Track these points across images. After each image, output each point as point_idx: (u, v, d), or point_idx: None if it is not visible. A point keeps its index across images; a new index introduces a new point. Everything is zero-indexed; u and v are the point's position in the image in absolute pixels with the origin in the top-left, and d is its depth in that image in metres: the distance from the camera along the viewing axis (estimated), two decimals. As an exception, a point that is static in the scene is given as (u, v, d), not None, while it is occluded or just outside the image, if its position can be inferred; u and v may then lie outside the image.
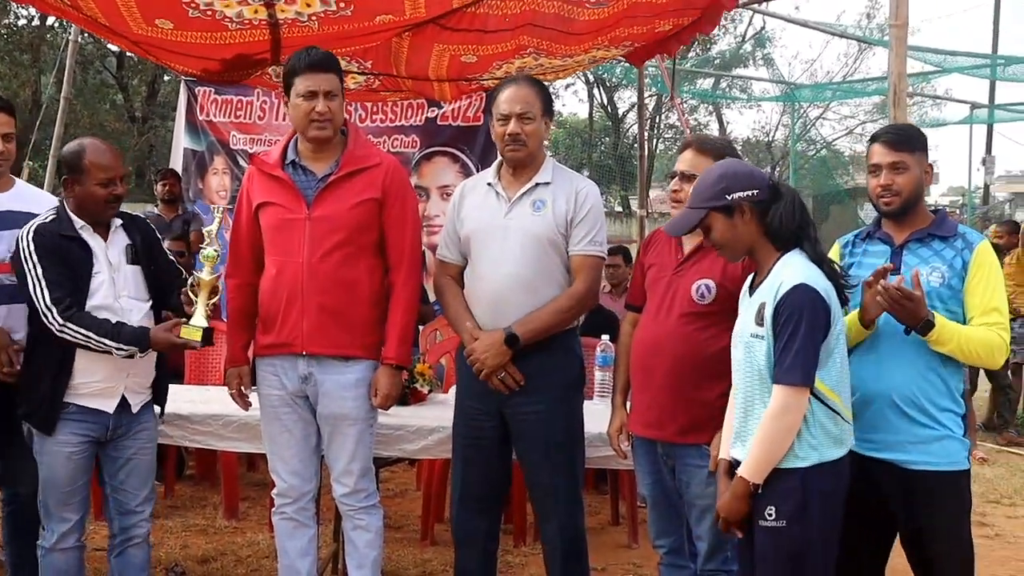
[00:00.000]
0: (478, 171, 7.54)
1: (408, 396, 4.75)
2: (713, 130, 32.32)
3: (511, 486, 4.30)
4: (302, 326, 3.76)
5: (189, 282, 3.68)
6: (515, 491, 5.10)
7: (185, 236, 7.35)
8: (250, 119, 8.11)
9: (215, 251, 3.68)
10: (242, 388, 3.99)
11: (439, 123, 7.92)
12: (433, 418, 4.56)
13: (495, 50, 5.55)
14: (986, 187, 25.76)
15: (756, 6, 9.12)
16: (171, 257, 4.04)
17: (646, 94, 28.98)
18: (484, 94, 7.73)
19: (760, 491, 3.00)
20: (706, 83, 27.04)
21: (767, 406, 2.98)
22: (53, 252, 3.55)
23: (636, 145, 32.41)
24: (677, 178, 3.64)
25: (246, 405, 4.01)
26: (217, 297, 3.69)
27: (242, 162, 8.11)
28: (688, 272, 3.56)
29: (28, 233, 3.59)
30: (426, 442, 4.48)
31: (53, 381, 3.61)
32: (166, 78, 22.26)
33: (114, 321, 3.57)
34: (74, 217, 3.65)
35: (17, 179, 4.27)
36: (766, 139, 33.40)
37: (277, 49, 5.34)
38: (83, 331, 3.51)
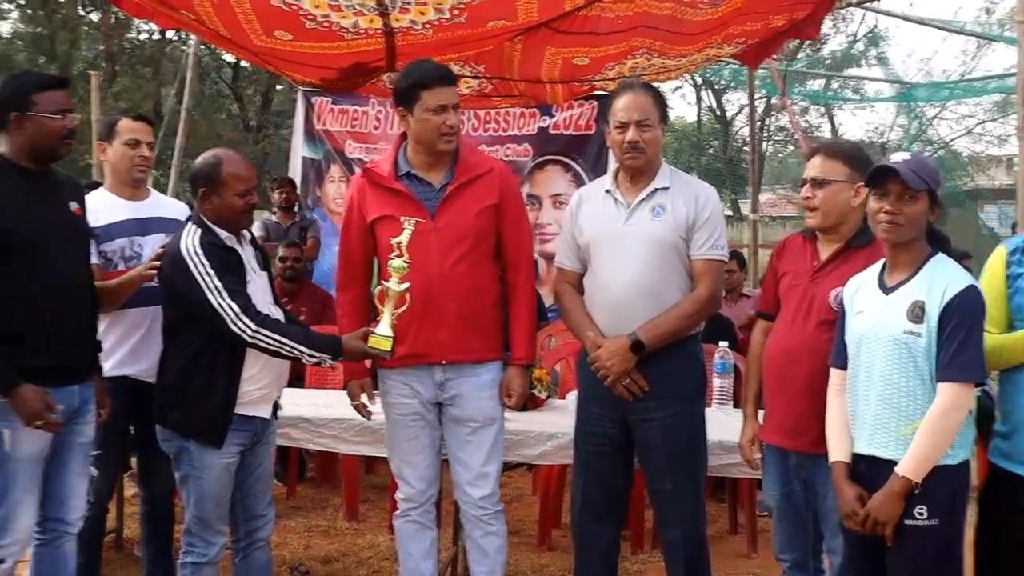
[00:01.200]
0: (590, 179, 7.55)
1: (526, 402, 4.74)
2: (825, 132, 31.78)
3: (632, 493, 4.26)
4: (438, 336, 3.78)
5: (376, 292, 3.74)
6: (634, 497, 5.06)
7: (301, 242, 7.48)
8: (366, 128, 8.23)
9: (405, 262, 3.64)
10: (364, 399, 4.01)
11: (551, 132, 7.97)
12: (552, 423, 4.56)
13: (607, 52, 5.55)
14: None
15: (868, 4, 8.88)
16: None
17: (755, 96, 28.70)
18: (596, 102, 7.77)
19: (918, 491, 2.96)
20: (817, 84, 26.58)
21: (927, 404, 2.96)
22: (221, 260, 3.58)
23: (745, 148, 32.27)
24: (808, 184, 3.56)
25: (368, 416, 4.05)
26: (404, 308, 3.69)
27: (357, 170, 8.20)
28: (825, 280, 3.50)
29: (193, 244, 3.56)
30: (545, 447, 4.48)
31: (225, 393, 3.60)
32: (279, 87, 22.68)
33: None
34: (215, 228, 3.66)
35: (151, 188, 4.44)
36: (880, 140, 32.68)
37: (392, 57, 5.42)
38: (276, 337, 3.53)
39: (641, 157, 3.80)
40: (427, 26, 4.89)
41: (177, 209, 4.36)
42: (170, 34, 20.93)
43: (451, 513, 4.48)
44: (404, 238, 3.66)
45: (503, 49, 5.46)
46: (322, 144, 8.30)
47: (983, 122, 31.87)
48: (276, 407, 3.89)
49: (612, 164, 7.72)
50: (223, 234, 3.65)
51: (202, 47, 8.44)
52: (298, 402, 4.12)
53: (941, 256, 3.07)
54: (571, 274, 4.01)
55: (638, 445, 3.90)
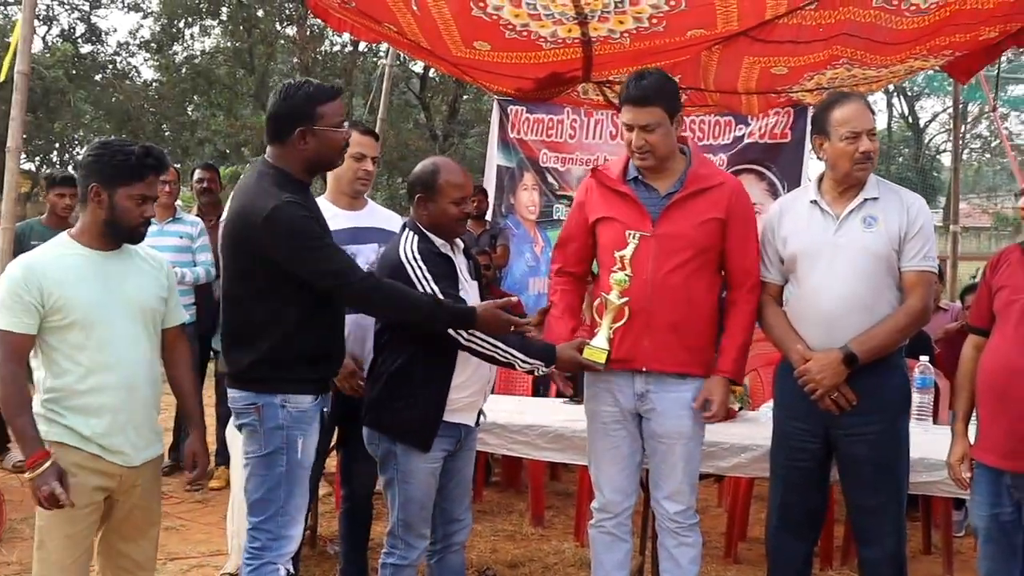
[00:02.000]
0: (784, 188, 7.53)
1: (719, 413, 4.71)
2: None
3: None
4: (644, 343, 3.76)
5: (595, 304, 3.77)
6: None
7: (491, 250, 7.60)
8: (561, 138, 8.31)
9: (626, 275, 3.65)
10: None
11: (746, 141, 7.91)
12: (745, 435, 4.52)
13: (807, 60, 5.45)
14: None
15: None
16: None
17: (949, 102, 27.69)
18: (792, 110, 7.66)
19: None
20: (1019, 90, 25.38)
21: None
22: (438, 266, 3.63)
23: (939, 157, 31.13)
24: None
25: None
26: (623, 322, 3.69)
27: (551, 179, 8.34)
28: None
29: (412, 250, 3.63)
30: (739, 460, 4.45)
31: (436, 398, 3.64)
32: (465, 97, 23.03)
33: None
34: (431, 235, 3.71)
35: (368, 198, 4.56)
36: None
37: (588, 66, 5.46)
38: (492, 341, 3.56)
39: (870, 167, 3.76)
40: (625, 35, 4.91)
41: (391, 220, 4.47)
42: (362, 46, 21.44)
43: (637, 522, 4.46)
44: (628, 252, 3.68)
45: (699, 59, 5.43)
46: (516, 152, 8.42)
47: None
48: (480, 414, 3.95)
49: (808, 173, 7.74)
50: (438, 241, 3.71)
51: (386, 57, 8.65)
52: (490, 408, 4.16)
53: None
54: (773, 286, 3.95)
55: (841, 460, 3.83)
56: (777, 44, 5.13)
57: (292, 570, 3.52)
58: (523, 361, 3.60)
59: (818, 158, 3.92)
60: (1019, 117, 29.35)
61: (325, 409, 3.59)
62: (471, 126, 23.27)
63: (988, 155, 30.70)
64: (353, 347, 4.05)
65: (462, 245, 3.89)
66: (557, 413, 5.03)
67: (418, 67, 22.72)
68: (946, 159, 30.56)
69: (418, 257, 3.61)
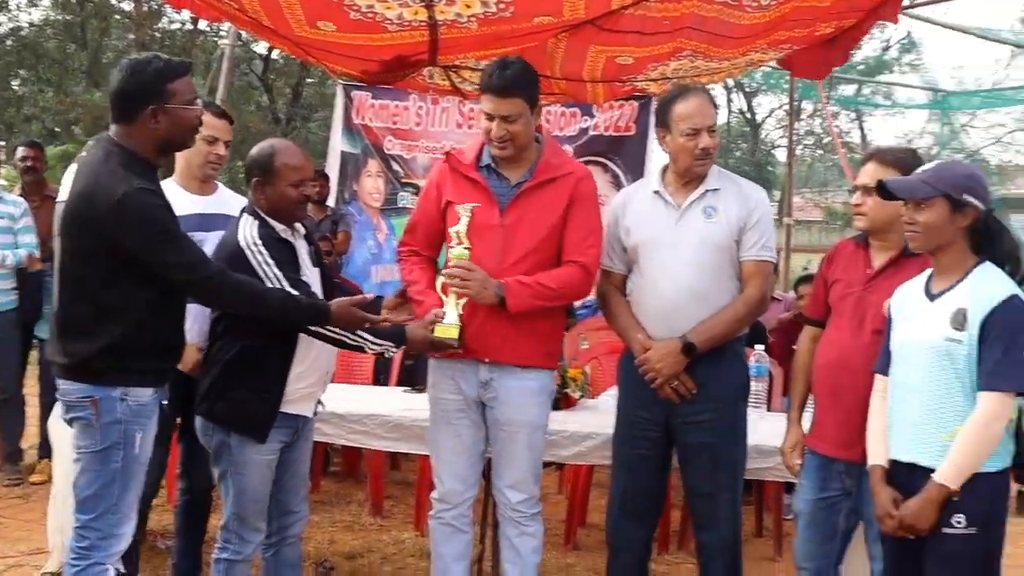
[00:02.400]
0: (628, 181, 7.61)
1: (559, 401, 4.71)
2: (855, 138, 31.65)
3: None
4: (489, 334, 3.70)
5: (439, 284, 3.70)
6: (664, 499, 5.04)
7: (332, 237, 7.47)
8: (407, 125, 8.22)
9: (465, 249, 3.64)
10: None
11: (592, 133, 7.99)
12: (585, 423, 4.53)
13: (652, 52, 5.49)
14: None
15: (909, 10, 8.80)
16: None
17: (785, 98, 28.71)
18: (636, 103, 7.79)
19: (957, 499, 2.95)
20: (848, 90, 26.44)
21: (967, 412, 2.95)
22: (280, 252, 3.53)
23: (773, 152, 32.17)
24: (860, 192, 3.53)
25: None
26: (465, 300, 3.66)
27: (396, 166, 8.24)
28: (880, 287, 3.45)
29: (252, 236, 3.51)
30: (580, 448, 4.46)
31: (274, 388, 3.54)
32: (309, 80, 22.60)
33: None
34: (271, 221, 3.60)
35: (219, 183, 4.39)
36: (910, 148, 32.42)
37: (434, 50, 5.37)
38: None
39: (709, 162, 3.80)
40: (472, 19, 4.84)
41: (241, 206, 4.29)
42: (202, 24, 20.81)
43: (478, 512, 4.44)
44: (462, 227, 3.65)
45: (546, 46, 5.40)
46: (360, 138, 8.28)
47: (1013, 131, 31.74)
48: (318, 404, 3.86)
49: (651, 164, 7.85)
50: (278, 226, 3.60)
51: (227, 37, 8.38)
52: (329, 397, 4.05)
53: (988, 265, 3.05)
54: (616, 276, 3.97)
55: (680, 447, 3.88)
56: (623, 34, 5.14)
57: (122, 569, 3.35)
58: (372, 343, 3.54)
59: (663, 149, 3.95)
60: (848, 116, 30.67)
61: (164, 401, 3.46)
62: (315, 110, 22.90)
63: (820, 151, 31.93)
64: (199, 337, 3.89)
65: (303, 231, 3.77)
66: (397, 402, 4.95)
67: (261, 48, 22.19)
68: (781, 154, 31.71)
69: (259, 243, 3.49)
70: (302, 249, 3.69)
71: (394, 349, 3.63)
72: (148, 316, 3.20)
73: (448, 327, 3.62)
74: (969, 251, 3.08)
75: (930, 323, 3.05)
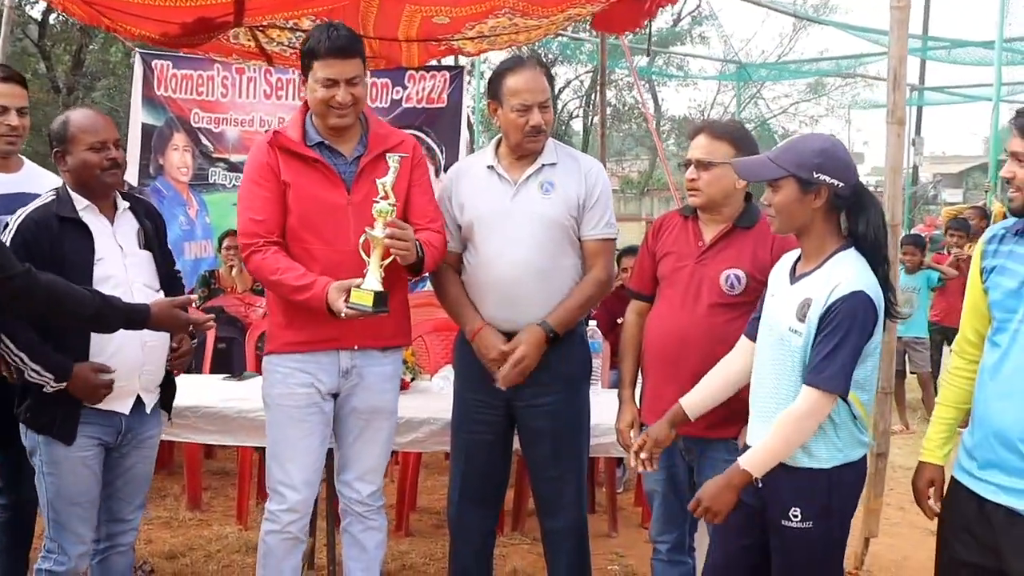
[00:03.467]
0: (443, 154, 7.60)
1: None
2: (649, 108, 32.44)
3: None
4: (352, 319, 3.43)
5: (360, 241, 3.37)
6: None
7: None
8: (212, 96, 7.85)
9: (391, 205, 3.32)
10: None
11: (404, 105, 7.83)
12: (422, 408, 4.35)
13: (469, 11, 5.35)
14: (915, 168, 26.17)
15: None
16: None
17: (583, 69, 29.04)
18: (448, 73, 7.72)
19: (760, 486, 2.91)
20: (642, 61, 27.02)
21: (789, 401, 2.87)
22: (33, 238, 3.22)
23: (571, 123, 32.56)
24: (692, 166, 3.46)
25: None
26: (391, 259, 3.36)
27: (205, 140, 7.83)
28: (713, 261, 3.42)
29: (17, 220, 3.26)
30: (416, 435, 4.29)
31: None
32: (92, 48, 21.59)
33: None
34: (75, 196, 3.31)
35: (25, 159, 3.95)
36: (700, 117, 33.64)
37: (240, 11, 5.04)
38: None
39: (542, 139, 3.67)
40: (283, -25, 4.59)
41: (49, 183, 3.83)
42: None
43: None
44: (390, 178, 3.37)
45: (359, 4, 5.18)
46: (164, 110, 7.87)
47: (797, 103, 33.34)
48: (168, 404, 3.62)
49: (465, 137, 7.72)
50: (81, 203, 3.31)
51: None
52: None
53: (849, 252, 2.91)
54: (451, 255, 3.79)
55: (523, 431, 3.77)
56: None
57: None
58: (32, 370, 3.19)
59: (494, 123, 3.80)
60: (643, 85, 31.40)
61: None
62: (97, 78, 21.89)
63: (616, 121, 32.58)
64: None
65: (125, 206, 3.46)
66: (217, 392, 4.65)
67: (36, 12, 21.09)
68: (576, 124, 32.18)
69: (13, 227, 3.22)
70: (120, 229, 3.40)
71: (54, 384, 3.19)
72: None
73: (363, 293, 3.31)
74: (833, 234, 2.94)
75: (783, 307, 2.97)
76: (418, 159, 3.68)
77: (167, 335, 3.47)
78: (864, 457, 2.97)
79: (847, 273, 2.84)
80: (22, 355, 3.18)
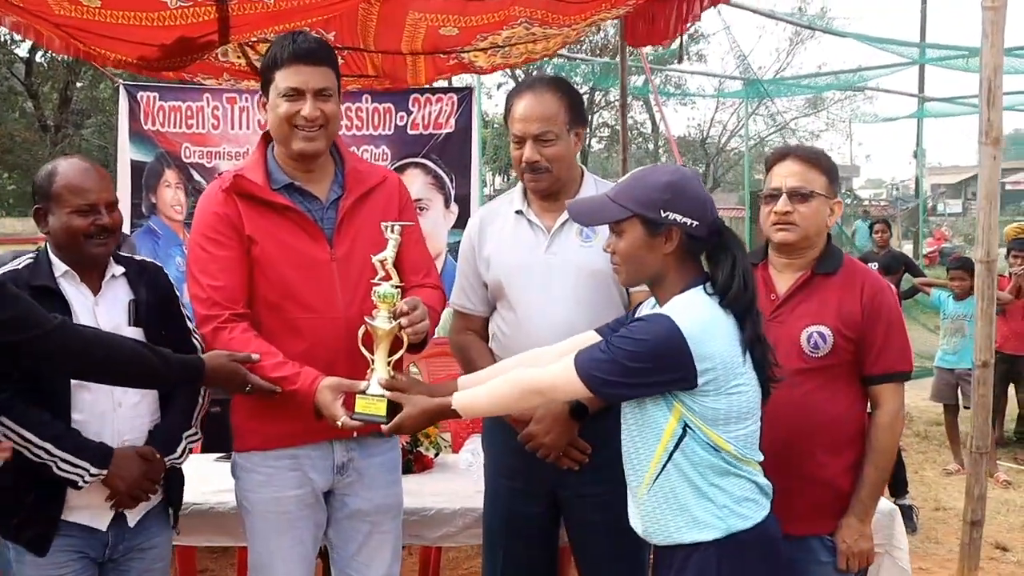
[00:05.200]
0: (451, 182, 6.99)
1: (411, 463, 3.86)
2: (647, 129, 32.00)
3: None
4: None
5: (360, 333, 2.77)
6: None
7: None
8: (203, 128, 7.23)
9: (395, 287, 2.73)
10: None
11: (409, 131, 7.19)
12: (451, 496, 3.68)
13: (480, 21, 4.82)
14: (917, 180, 25.83)
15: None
16: (188, 322, 3.03)
17: (582, 90, 28.67)
18: (455, 96, 7.15)
19: None
20: (639, 80, 26.60)
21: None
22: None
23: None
24: (784, 197, 2.89)
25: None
26: (400, 353, 2.78)
27: (197, 176, 7.20)
28: (791, 318, 2.90)
29: None
30: (448, 528, 3.59)
31: (44, 489, 2.73)
32: (80, 85, 21.30)
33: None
34: (55, 260, 2.81)
35: None
36: (700, 136, 33.26)
37: (225, 28, 4.49)
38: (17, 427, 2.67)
39: (545, 178, 3.07)
40: (269, -13, 4.00)
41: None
42: None
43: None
44: (390, 253, 2.76)
45: (358, 13, 4.62)
46: (153, 146, 7.29)
47: (796, 118, 32.93)
48: (174, 516, 3.02)
49: (476, 164, 7.10)
50: (60, 269, 2.81)
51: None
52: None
53: (694, 291, 2.45)
54: (475, 319, 3.21)
55: (572, 525, 3.16)
56: (444, 0, 4.50)
57: None
58: (63, 461, 2.67)
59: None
60: (639, 106, 30.97)
61: None
62: (87, 115, 21.63)
63: (613, 143, 32.13)
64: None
65: (116, 273, 2.89)
66: (208, 479, 3.83)
67: (22, 50, 20.92)
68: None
69: None
70: (106, 302, 2.85)
71: (92, 474, 2.70)
72: None
73: (372, 400, 2.68)
74: (682, 282, 2.48)
75: None
76: (407, 202, 3.13)
77: (151, 395, 2.90)
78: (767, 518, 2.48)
79: (673, 304, 2.45)
80: (47, 446, 2.66)
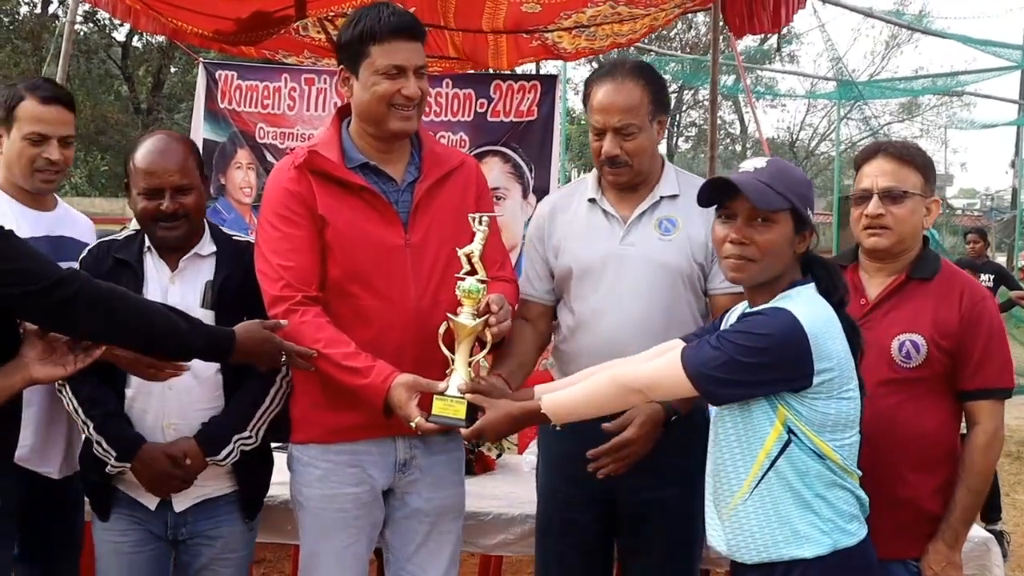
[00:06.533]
0: (531, 171, 6.76)
1: (472, 463, 3.67)
2: (736, 130, 31.63)
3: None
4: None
5: (441, 330, 2.63)
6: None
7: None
8: (279, 109, 7.12)
9: (480, 282, 2.57)
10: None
11: (489, 119, 6.95)
12: (511, 501, 3.48)
13: (563, -2, 4.65)
14: (1014, 191, 25.25)
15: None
16: None
17: (669, 87, 28.44)
18: (538, 83, 6.90)
19: None
20: (729, 79, 26.33)
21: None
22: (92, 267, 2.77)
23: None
24: (875, 198, 2.72)
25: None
26: (486, 352, 2.63)
27: (270, 157, 7.11)
28: (881, 324, 2.73)
29: (83, 253, 2.90)
30: (505, 536, 3.37)
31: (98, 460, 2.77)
32: (173, 69, 22.09)
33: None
34: (145, 235, 2.85)
35: (60, 199, 3.29)
36: (790, 139, 32.80)
37: (302, 2, 4.45)
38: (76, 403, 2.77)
39: (625, 172, 2.91)
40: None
41: (86, 228, 3.29)
42: (52, 7, 19.97)
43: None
44: (477, 247, 2.60)
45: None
46: (228, 125, 7.18)
47: (889, 123, 32.34)
48: (253, 508, 2.98)
49: (557, 154, 6.90)
50: (148, 244, 2.84)
51: (88, 23, 7.20)
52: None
53: (806, 287, 2.34)
54: (535, 306, 3.03)
55: (628, 530, 2.99)
56: None
57: None
58: (96, 442, 2.75)
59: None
60: (729, 106, 30.62)
61: None
62: (178, 100, 22.28)
63: (701, 143, 31.83)
64: None
65: (204, 252, 2.87)
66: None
67: (120, 35, 21.60)
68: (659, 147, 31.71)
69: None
70: (181, 281, 2.83)
71: (116, 463, 2.72)
72: None
73: (451, 402, 2.54)
74: (786, 282, 2.37)
75: None
76: (484, 188, 2.99)
77: (209, 383, 2.82)
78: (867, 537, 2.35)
79: (789, 299, 2.31)
80: (89, 423, 2.75)
